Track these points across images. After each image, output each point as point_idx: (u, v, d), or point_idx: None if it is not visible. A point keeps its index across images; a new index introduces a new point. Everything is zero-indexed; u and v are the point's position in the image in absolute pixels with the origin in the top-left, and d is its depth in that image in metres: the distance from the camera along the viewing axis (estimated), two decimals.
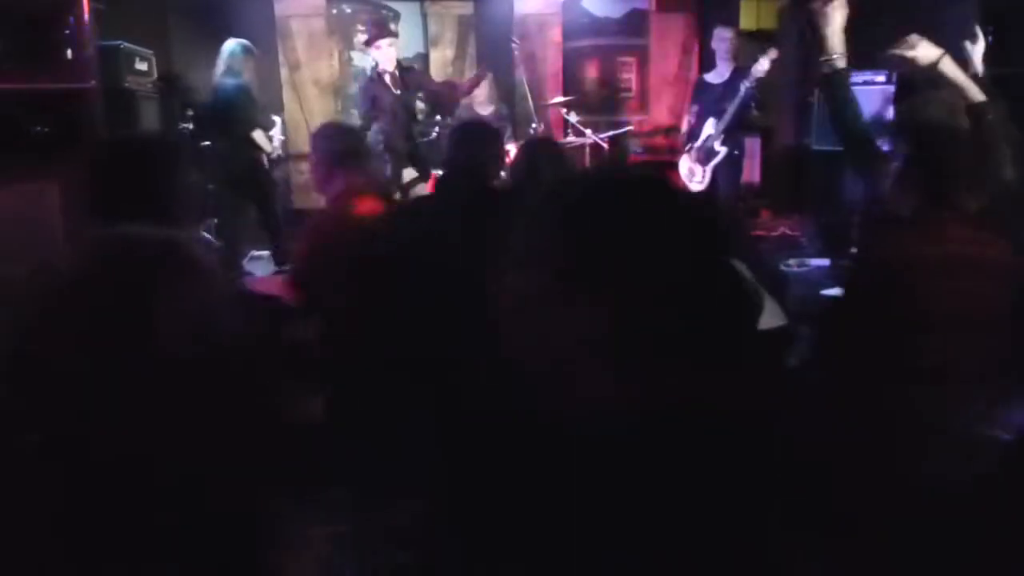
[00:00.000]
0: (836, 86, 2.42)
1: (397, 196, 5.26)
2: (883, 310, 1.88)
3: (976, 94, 2.36)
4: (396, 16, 5.33)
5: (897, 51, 2.46)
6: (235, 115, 5.10)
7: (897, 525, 1.56)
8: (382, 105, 5.25)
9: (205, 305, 1.16)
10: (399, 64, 5.37)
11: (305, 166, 7.23)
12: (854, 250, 4.72)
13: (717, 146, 5.23)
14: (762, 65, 4.96)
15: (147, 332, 1.03)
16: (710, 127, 5.25)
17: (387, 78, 5.27)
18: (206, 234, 5.74)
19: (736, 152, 5.28)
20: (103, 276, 1.07)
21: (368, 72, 5.52)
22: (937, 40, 2.47)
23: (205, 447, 1.07)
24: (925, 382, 1.80)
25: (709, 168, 5.26)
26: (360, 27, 7.32)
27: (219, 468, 1.10)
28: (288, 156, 7.04)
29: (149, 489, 1.06)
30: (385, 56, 5.25)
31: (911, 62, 2.43)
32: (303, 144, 7.10)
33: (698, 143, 5.33)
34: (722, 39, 5.37)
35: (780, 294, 4.06)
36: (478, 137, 2.78)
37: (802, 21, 4.93)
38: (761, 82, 5.05)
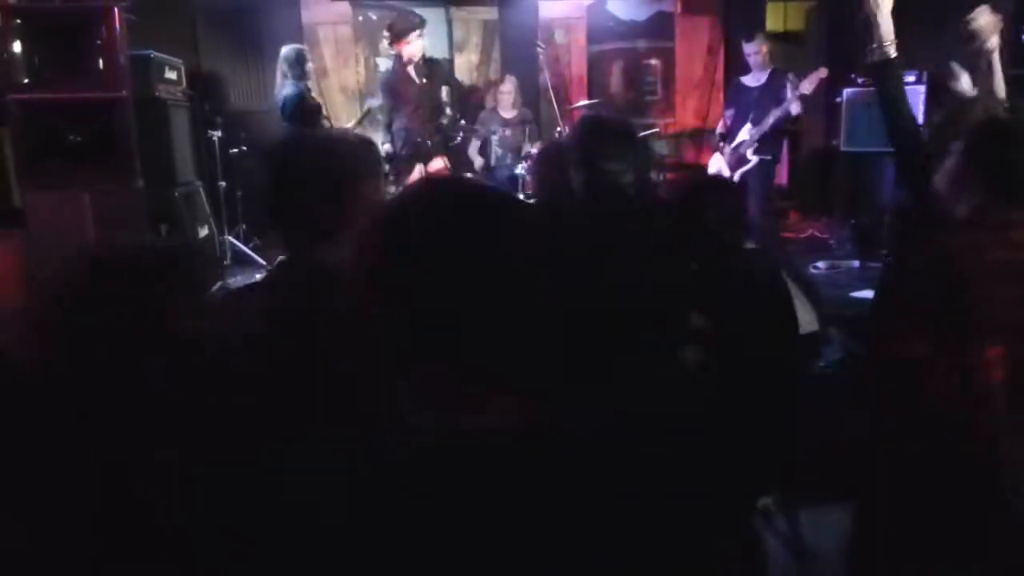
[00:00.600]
0: (888, 75, 2.33)
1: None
2: (942, 315, 1.77)
3: (1001, 91, 2.33)
4: (422, 21, 5.31)
5: (965, 24, 2.41)
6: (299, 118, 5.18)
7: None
8: (406, 97, 5.19)
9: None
10: (424, 56, 5.31)
11: None
12: (885, 252, 4.68)
13: (749, 154, 5.18)
14: (809, 84, 4.91)
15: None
16: (745, 133, 5.19)
17: (411, 69, 5.21)
18: (233, 239, 5.82)
19: (770, 158, 5.21)
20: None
21: (391, 65, 5.48)
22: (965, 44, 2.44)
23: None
24: (989, 397, 1.71)
25: (738, 174, 5.20)
26: (386, 34, 7.36)
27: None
28: None
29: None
30: (413, 49, 5.19)
31: (977, 33, 2.39)
32: None
33: (731, 146, 5.29)
34: (753, 52, 5.28)
35: (813, 297, 4.02)
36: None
37: (844, 17, 4.84)
38: (805, 98, 5.01)
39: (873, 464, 1.84)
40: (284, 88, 5.14)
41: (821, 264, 5.42)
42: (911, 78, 5.11)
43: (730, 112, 5.47)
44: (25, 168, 4.18)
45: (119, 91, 4.19)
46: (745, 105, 5.27)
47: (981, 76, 2.44)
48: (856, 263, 5.42)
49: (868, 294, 4.59)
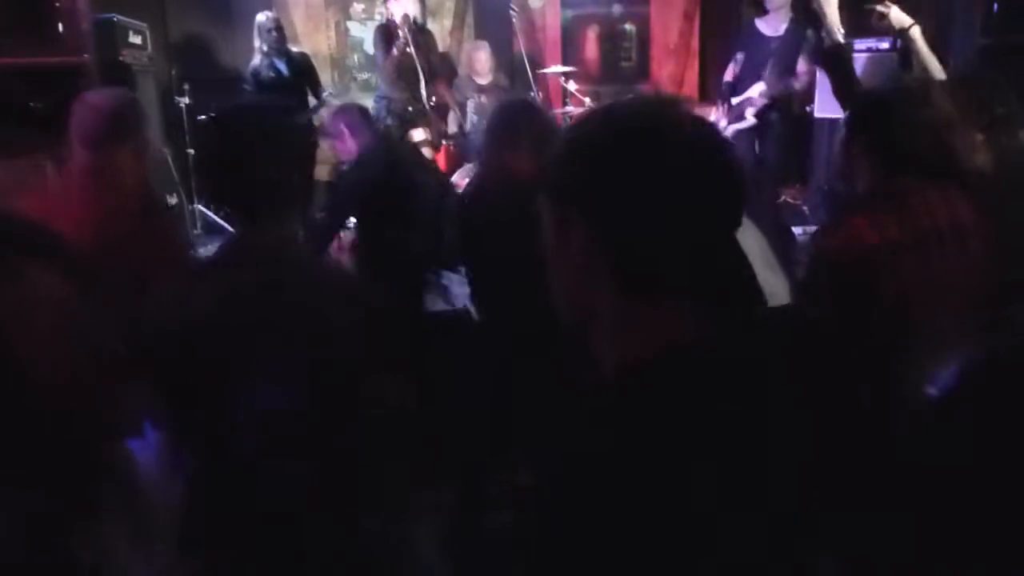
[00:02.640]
0: (836, 60, 2.45)
1: None
2: (851, 294, 1.79)
3: (937, 71, 2.37)
4: None
5: (876, 8, 2.51)
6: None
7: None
8: (391, 60, 5.12)
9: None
10: (414, 21, 5.19)
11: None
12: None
13: (750, 115, 4.82)
14: (808, 79, 4.73)
15: None
16: (756, 90, 4.78)
17: (400, 32, 5.11)
18: (203, 207, 5.74)
19: (784, 123, 4.92)
20: None
21: (383, 20, 5.38)
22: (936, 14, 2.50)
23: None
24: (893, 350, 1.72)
25: (731, 129, 4.82)
26: None
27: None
28: None
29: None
30: (399, 7, 5.12)
31: (886, 20, 2.48)
32: None
33: (737, 100, 4.87)
34: None
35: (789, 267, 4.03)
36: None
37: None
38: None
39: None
40: (252, 58, 5.08)
41: (796, 230, 5.44)
42: (884, 44, 5.10)
43: (740, 56, 4.96)
44: None
45: (80, 56, 4.08)
46: (759, 56, 4.79)
47: (916, 60, 2.51)
48: None
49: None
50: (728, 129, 4.82)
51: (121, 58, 4.84)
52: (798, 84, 4.78)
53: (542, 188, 0.87)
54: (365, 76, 7.25)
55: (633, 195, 0.78)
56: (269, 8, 6.76)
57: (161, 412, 1.30)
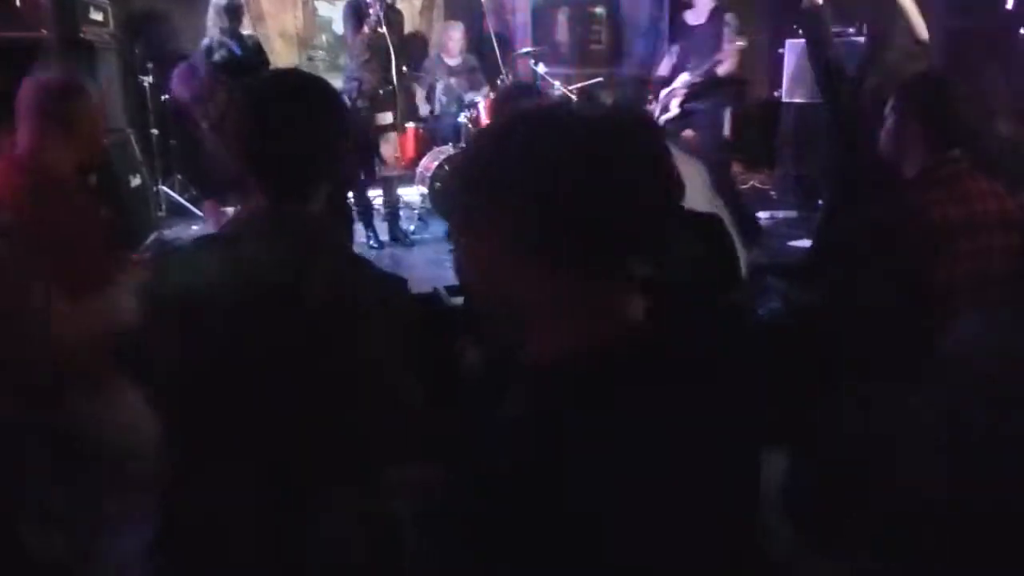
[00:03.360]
0: (815, 23, 2.45)
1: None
2: (902, 272, 1.82)
3: (922, 31, 2.38)
4: None
5: None
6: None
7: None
8: (362, 39, 5.04)
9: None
10: (386, 1, 5.08)
11: None
12: (821, 202, 4.74)
13: (673, 105, 4.93)
14: (731, 49, 4.69)
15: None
16: (680, 80, 4.91)
17: (371, 11, 4.99)
18: (167, 189, 5.64)
19: (703, 107, 4.91)
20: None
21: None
22: None
23: None
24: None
25: (661, 120, 4.88)
26: None
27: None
28: None
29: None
30: None
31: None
32: None
33: (666, 91, 4.99)
34: None
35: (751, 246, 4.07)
36: None
37: None
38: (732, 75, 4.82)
39: (815, 406, 1.87)
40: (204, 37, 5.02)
41: (762, 215, 5.49)
42: (851, 29, 5.15)
43: (675, 49, 5.12)
44: None
45: (39, 31, 3.99)
46: (688, 46, 4.96)
47: (899, 24, 2.52)
48: (794, 213, 5.51)
49: (805, 243, 4.68)
50: (660, 121, 4.83)
51: (82, 35, 4.72)
52: (721, 69, 4.78)
53: (461, 181, 0.87)
54: (321, 55, 7.16)
55: (550, 179, 0.78)
56: None
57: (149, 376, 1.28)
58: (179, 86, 5.21)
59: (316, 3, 7.17)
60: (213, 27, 5.05)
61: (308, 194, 1.45)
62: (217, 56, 5.04)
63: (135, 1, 6.00)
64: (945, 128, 1.88)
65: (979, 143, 1.88)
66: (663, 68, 5.16)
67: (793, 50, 5.98)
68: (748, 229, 4.23)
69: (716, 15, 4.85)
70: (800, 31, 5.42)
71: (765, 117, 6.89)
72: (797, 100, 6.03)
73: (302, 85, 1.48)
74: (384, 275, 1.51)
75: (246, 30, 5.60)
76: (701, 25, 4.91)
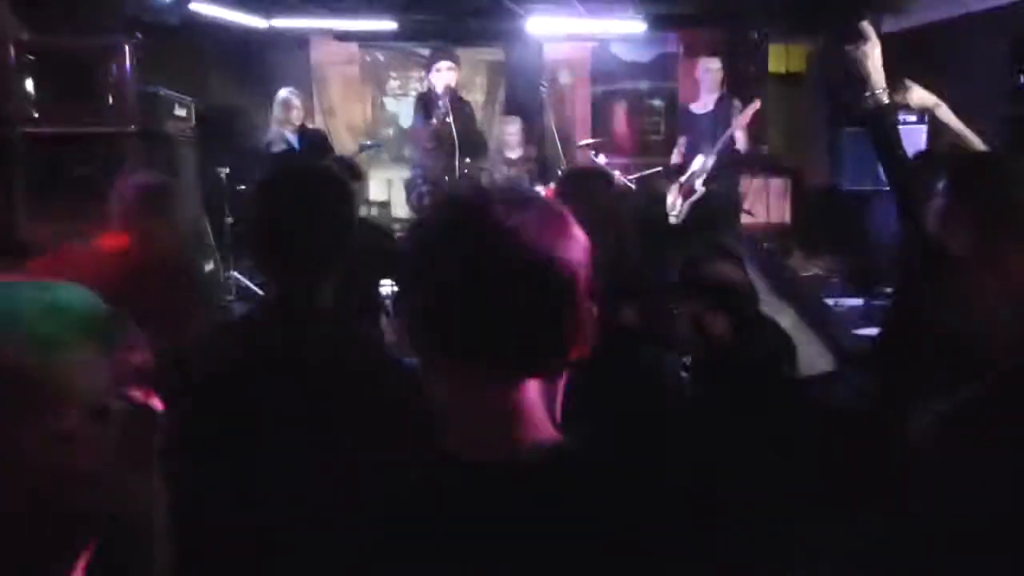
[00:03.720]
0: (881, 121, 2.40)
1: None
2: (954, 351, 1.79)
3: (975, 143, 2.36)
4: (449, 55, 5.40)
5: (894, 96, 2.49)
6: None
7: None
8: (428, 126, 5.23)
9: None
10: (455, 92, 5.32)
11: None
12: (890, 290, 4.66)
13: (698, 185, 5.20)
14: (744, 117, 5.01)
15: None
16: (698, 163, 5.21)
17: (440, 102, 5.22)
18: (239, 274, 5.84)
19: (729, 188, 5.31)
20: None
21: (423, 91, 5.53)
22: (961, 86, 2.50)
23: None
24: None
25: (688, 204, 5.23)
26: (393, 74, 7.48)
27: None
28: None
29: None
30: (439, 79, 5.24)
31: (905, 107, 2.48)
32: None
33: (684, 177, 5.31)
34: (707, 70, 5.38)
35: (831, 335, 3.99)
36: None
37: (839, 64, 4.82)
38: (751, 130, 5.16)
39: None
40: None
41: (826, 302, 5.40)
42: (912, 117, 5.14)
43: (683, 140, 5.51)
44: (32, 201, 4.22)
45: (127, 126, 4.25)
46: (697, 134, 5.31)
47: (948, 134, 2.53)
48: (860, 301, 5.41)
49: (872, 331, 4.57)
50: (684, 205, 5.24)
51: (165, 129, 5.01)
52: (739, 138, 5.15)
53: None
54: (372, 145, 7.43)
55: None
56: (309, 80, 7.03)
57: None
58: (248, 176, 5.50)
59: (384, 99, 7.50)
60: (274, 120, 5.35)
61: (313, 283, 1.49)
62: (275, 148, 5.31)
63: (215, 97, 6.36)
64: (991, 210, 1.86)
65: None
66: (674, 157, 5.55)
67: (852, 138, 5.99)
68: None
69: (723, 102, 5.26)
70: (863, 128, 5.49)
71: (824, 204, 6.87)
72: (857, 188, 6.00)
73: (308, 181, 1.56)
74: (397, 363, 1.49)
75: (313, 123, 5.89)
76: (708, 113, 5.30)
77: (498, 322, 0.79)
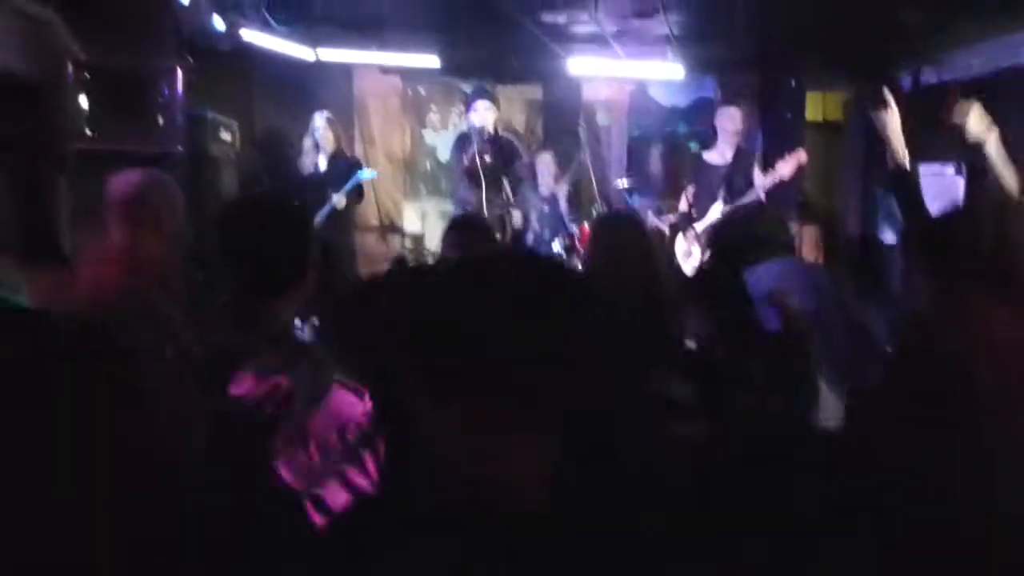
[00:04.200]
0: (903, 182, 2.47)
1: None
2: (925, 404, 1.79)
3: (1011, 184, 2.37)
4: (488, 94, 5.52)
5: (951, 117, 2.51)
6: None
7: None
8: (464, 164, 5.33)
9: None
10: (496, 132, 5.42)
11: (371, 237, 7.44)
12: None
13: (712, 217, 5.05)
14: (786, 166, 4.75)
15: None
16: (717, 212, 5.02)
17: (477, 139, 5.33)
18: None
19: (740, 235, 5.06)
20: None
21: (465, 130, 5.63)
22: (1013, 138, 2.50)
23: None
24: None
25: (706, 256, 5.04)
26: (433, 107, 7.61)
27: None
28: (355, 226, 7.25)
29: None
30: (476, 119, 5.36)
31: (961, 129, 2.48)
32: (371, 215, 7.33)
33: (701, 227, 5.12)
34: (731, 118, 5.08)
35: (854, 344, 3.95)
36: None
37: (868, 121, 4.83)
38: (783, 184, 4.89)
39: None
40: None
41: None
42: (949, 170, 5.13)
43: (691, 190, 5.30)
44: (78, 216, 4.33)
45: (174, 147, 4.37)
46: (711, 184, 5.08)
47: (991, 173, 2.53)
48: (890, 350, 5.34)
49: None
50: (705, 255, 5.06)
51: (210, 151, 5.14)
52: (768, 180, 4.88)
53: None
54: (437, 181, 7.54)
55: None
56: (351, 109, 7.17)
57: None
58: None
59: (423, 132, 7.62)
60: (306, 145, 5.50)
61: (272, 292, 1.70)
62: (306, 172, 5.45)
63: (259, 120, 6.50)
64: (946, 262, 1.85)
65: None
66: (682, 204, 5.37)
67: (884, 193, 5.98)
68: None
69: (742, 155, 5.06)
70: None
71: (859, 254, 6.82)
72: (890, 238, 5.97)
73: (261, 205, 1.85)
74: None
75: (352, 150, 5.98)
76: (727, 165, 5.06)
77: None
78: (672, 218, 6.07)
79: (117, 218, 2.37)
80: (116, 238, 2.34)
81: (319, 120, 5.59)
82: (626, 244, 2.70)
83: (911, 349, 1.85)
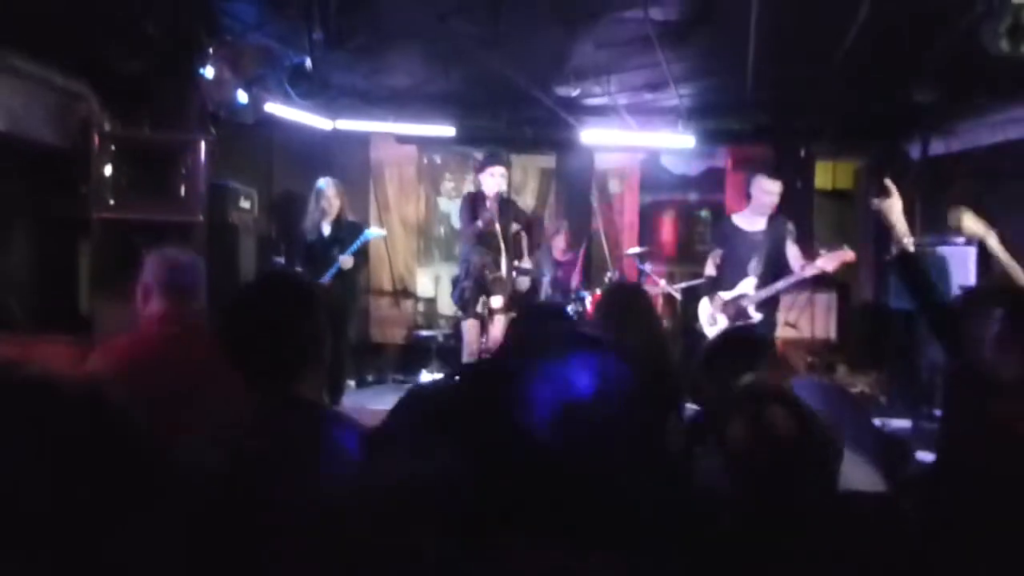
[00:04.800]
0: (908, 267, 2.55)
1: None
2: (1000, 476, 1.81)
3: (1021, 277, 2.43)
4: (504, 160, 5.61)
5: (948, 223, 2.61)
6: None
7: None
8: (473, 225, 5.39)
9: None
10: (501, 195, 5.49)
11: (385, 302, 7.50)
12: (938, 412, 4.56)
13: (752, 311, 4.82)
14: (830, 262, 4.58)
15: None
16: (749, 287, 4.83)
17: (487, 202, 5.40)
18: None
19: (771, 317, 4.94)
20: None
21: (471, 190, 5.70)
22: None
23: None
24: None
25: (733, 325, 4.78)
26: (448, 175, 7.75)
27: None
28: (369, 290, 7.32)
29: None
30: (492, 183, 5.42)
31: (957, 233, 2.57)
32: (385, 280, 7.40)
33: (729, 296, 4.90)
34: (767, 192, 4.86)
35: (885, 457, 3.91)
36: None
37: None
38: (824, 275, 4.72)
39: None
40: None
41: (875, 423, 5.30)
42: (960, 239, 5.16)
43: (718, 253, 5.07)
44: (99, 280, 4.41)
45: (196, 216, 4.46)
46: (742, 250, 4.88)
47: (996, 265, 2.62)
48: (908, 423, 5.30)
49: (927, 456, 4.45)
50: (728, 325, 4.79)
51: (230, 220, 5.22)
52: (808, 271, 4.69)
53: None
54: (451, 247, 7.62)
55: None
56: (367, 176, 7.29)
57: None
58: None
59: (438, 199, 7.74)
60: (311, 210, 5.57)
61: (289, 378, 1.59)
62: (310, 237, 5.52)
63: (277, 186, 6.62)
64: None
65: None
66: (708, 268, 5.12)
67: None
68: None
69: (776, 222, 4.86)
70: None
71: (871, 321, 6.83)
72: (905, 306, 5.96)
73: (268, 287, 1.76)
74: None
75: (369, 216, 6.03)
76: (761, 232, 4.88)
77: None
78: (679, 285, 6.07)
79: (161, 291, 2.43)
80: (155, 309, 2.40)
81: (321, 184, 5.59)
82: (631, 311, 2.79)
83: (997, 424, 1.89)
